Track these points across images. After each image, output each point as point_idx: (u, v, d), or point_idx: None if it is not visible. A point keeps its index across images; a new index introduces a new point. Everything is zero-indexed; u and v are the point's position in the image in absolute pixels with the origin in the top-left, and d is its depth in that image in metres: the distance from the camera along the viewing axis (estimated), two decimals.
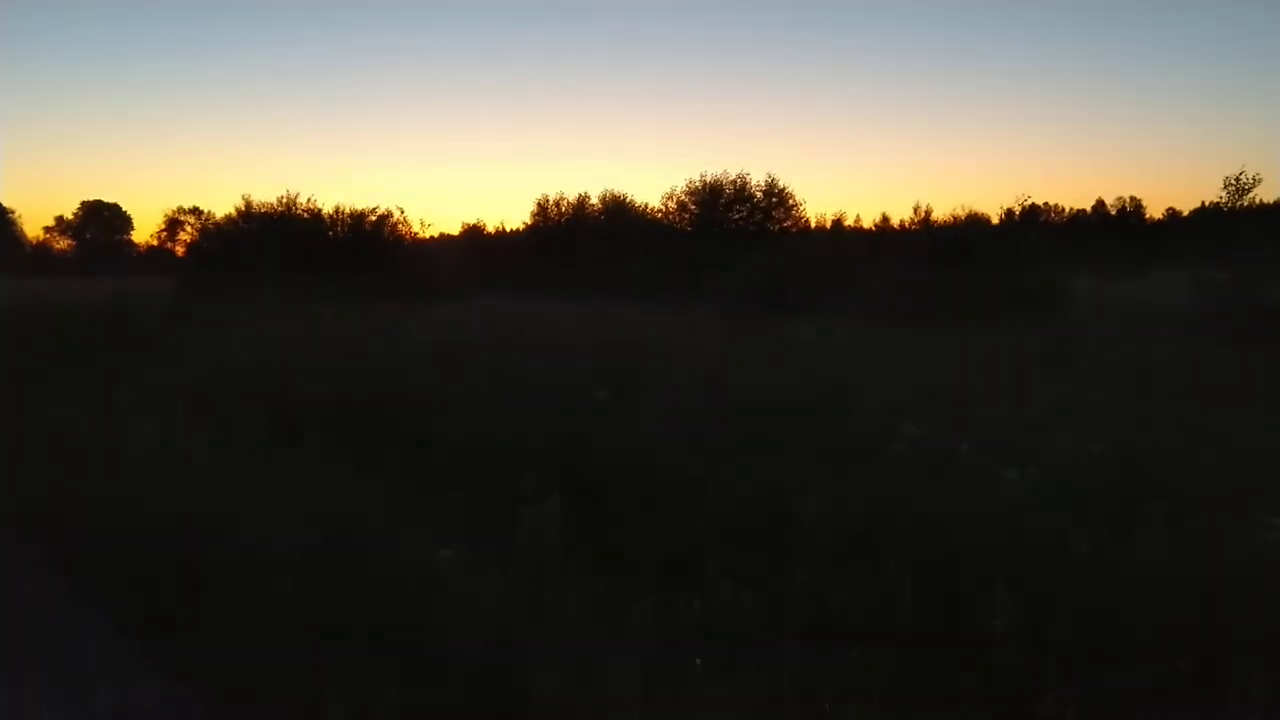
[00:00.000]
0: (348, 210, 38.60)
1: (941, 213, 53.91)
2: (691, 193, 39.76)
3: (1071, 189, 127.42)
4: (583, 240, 38.36)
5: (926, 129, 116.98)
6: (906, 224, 55.16)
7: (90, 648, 4.46)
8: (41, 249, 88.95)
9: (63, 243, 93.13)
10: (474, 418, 7.60)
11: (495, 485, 5.80)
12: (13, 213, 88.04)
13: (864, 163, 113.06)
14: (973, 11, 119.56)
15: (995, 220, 45.80)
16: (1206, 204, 54.95)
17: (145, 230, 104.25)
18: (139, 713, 3.91)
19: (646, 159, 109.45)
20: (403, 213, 42.16)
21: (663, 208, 40.94)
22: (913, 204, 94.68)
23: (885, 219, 60.65)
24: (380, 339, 15.01)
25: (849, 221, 58.27)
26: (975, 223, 44.20)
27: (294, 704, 3.75)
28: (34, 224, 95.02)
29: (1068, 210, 67.21)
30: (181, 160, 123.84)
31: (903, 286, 23.04)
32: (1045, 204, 63.23)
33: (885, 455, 6.13)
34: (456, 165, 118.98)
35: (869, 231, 58.04)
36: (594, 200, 43.11)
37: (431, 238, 47.15)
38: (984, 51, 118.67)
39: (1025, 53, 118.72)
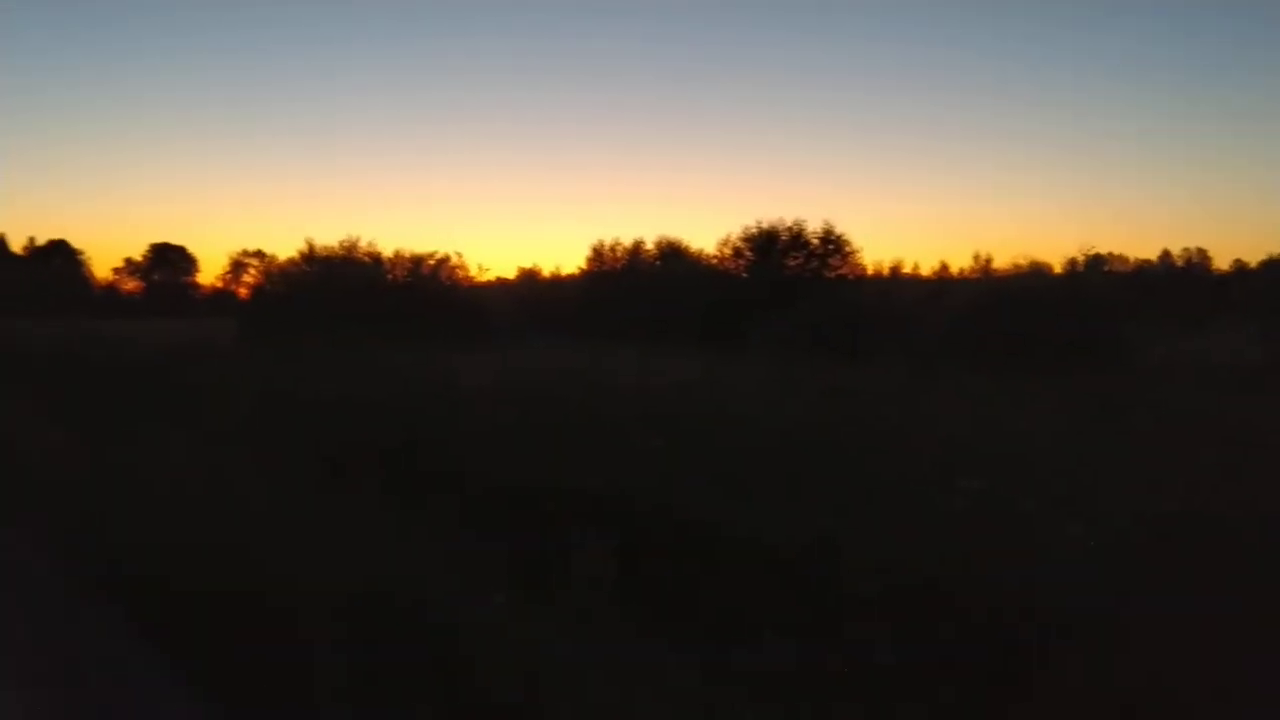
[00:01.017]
0: (407, 254, 39.27)
1: (1002, 261, 53.28)
2: (747, 239, 39.75)
3: (1136, 238, 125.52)
4: (637, 285, 38.53)
5: (988, 175, 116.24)
6: (966, 272, 54.67)
7: (130, 672, 4.47)
8: (109, 290, 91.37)
9: (131, 284, 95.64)
10: (525, 461, 7.59)
11: (545, 529, 5.78)
12: (82, 254, 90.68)
13: (923, 210, 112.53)
14: (1035, 58, 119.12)
15: (1058, 269, 45.25)
16: (1274, 256, 53.78)
17: (210, 272, 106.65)
18: None
19: (702, 205, 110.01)
20: (460, 257, 42.88)
21: (718, 254, 40.97)
22: (973, 252, 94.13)
23: (944, 267, 60.24)
24: (434, 381, 15.13)
25: (906, 269, 57.94)
26: (1037, 272, 43.76)
27: None
28: (103, 265, 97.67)
29: (1132, 260, 66.05)
30: (246, 203, 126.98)
31: (961, 335, 22.75)
32: (1109, 253, 62.15)
33: (941, 507, 6.00)
34: (514, 210, 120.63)
35: (927, 279, 57.64)
36: (649, 246, 43.31)
37: (488, 282, 47.74)
38: (1048, 98, 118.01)
39: (1090, 99, 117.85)
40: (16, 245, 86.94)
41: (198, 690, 4.29)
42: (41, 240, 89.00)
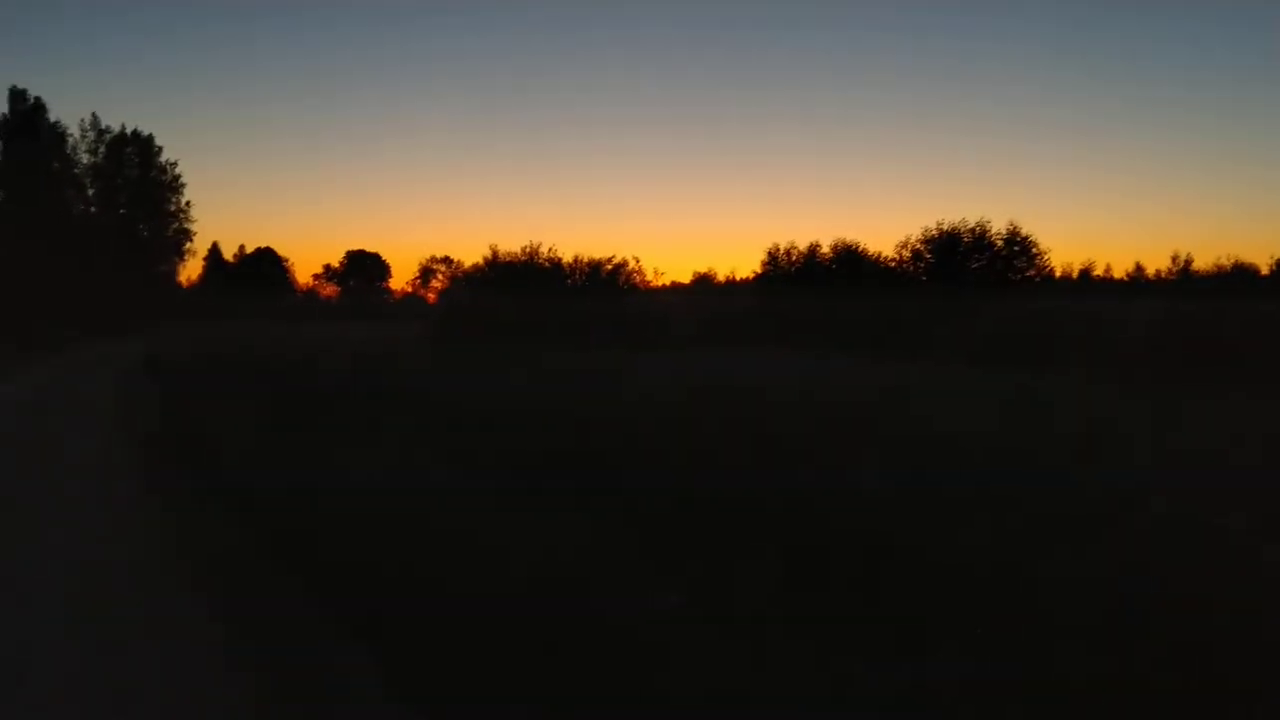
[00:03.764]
0: (585, 259, 40.12)
1: (1203, 262, 50.07)
2: (927, 240, 38.73)
3: None
4: (813, 289, 38.18)
5: (1189, 171, 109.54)
6: (1163, 274, 51.62)
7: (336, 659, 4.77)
8: (310, 293, 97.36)
9: (329, 288, 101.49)
10: (700, 466, 7.70)
11: (716, 536, 5.84)
12: (287, 261, 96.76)
13: (1116, 208, 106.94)
14: (1227, 48, 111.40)
15: (1265, 270, 42.19)
16: None
17: (401, 277, 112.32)
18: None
19: (883, 207, 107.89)
20: (637, 262, 43.53)
21: (896, 256, 40.09)
22: (1170, 252, 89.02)
23: (1139, 268, 57.12)
24: (612, 385, 15.48)
25: (1098, 271, 55.22)
26: (1241, 273, 40.95)
27: None
28: (304, 271, 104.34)
29: None
30: (435, 212, 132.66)
31: (1159, 342, 21.57)
32: None
33: (1134, 525, 5.80)
34: (691, 215, 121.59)
35: (1120, 281, 54.78)
36: (825, 249, 42.77)
37: (663, 286, 48.22)
38: (1251, 88, 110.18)
39: None
40: (228, 253, 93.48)
41: (359, 638, 4.57)
42: (250, 249, 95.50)
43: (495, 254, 40.30)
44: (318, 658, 4.83)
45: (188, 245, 73.35)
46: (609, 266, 40.09)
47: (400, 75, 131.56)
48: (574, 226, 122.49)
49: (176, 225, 71.57)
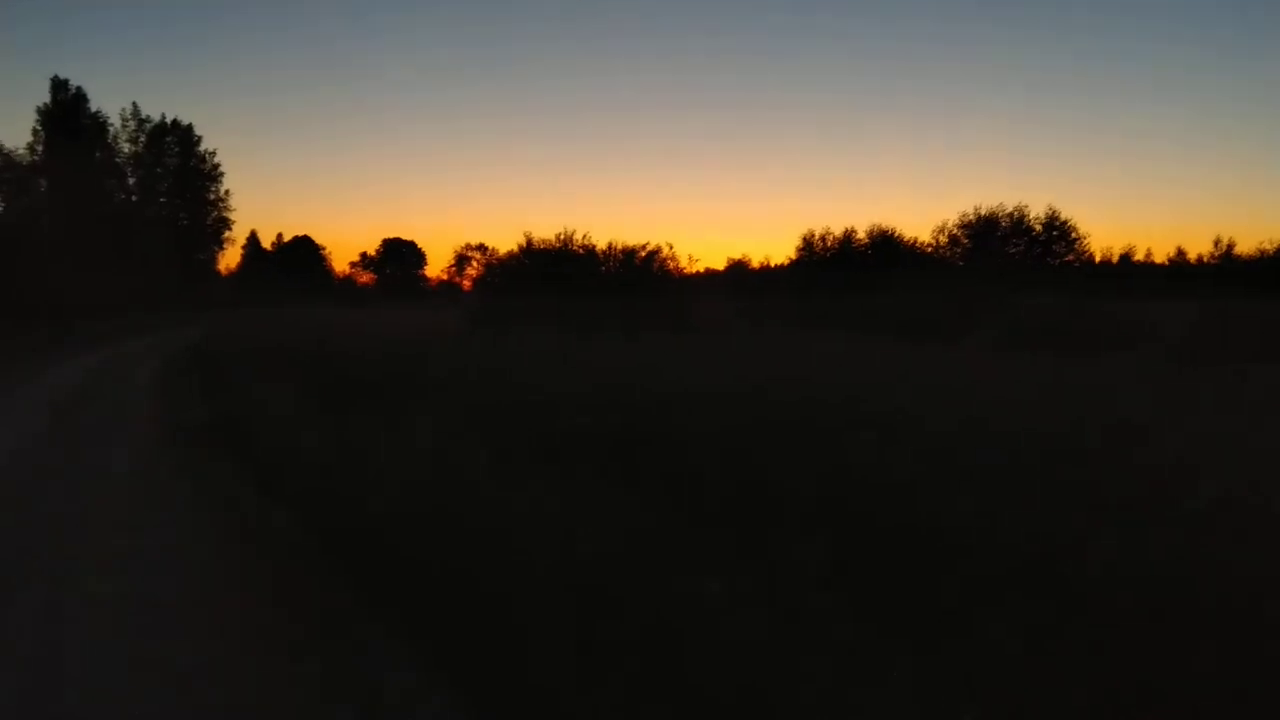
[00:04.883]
0: (619, 246, 40.03)
1: (1246, 246, 49.14)
2: (964, 225, 38.41)
3: None
4: (849, 274, 37.96)
5: (1234, 151, 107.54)
6: (1205, 258, 50.80)
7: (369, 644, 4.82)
8: (346, 281, 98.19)
9: (365, 276, 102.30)
10: (734, 454, 7.65)
11: (755, 524, 5.80)
12: (324, 249, 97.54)
13: (1159, 191, 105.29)
14: (1268, 29, 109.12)
15: None
16: None
17: (437, 265, 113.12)
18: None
19: (919, 191, 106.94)
20: (671, 248, 43.37)
21: (934, 241, 39.77)
22: (1214, 237, 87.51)
23: (1181, 252, 56.29)
24: (647, 371, 15.45)
25: (1139, 255, 54.44)
26: None
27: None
28: (341, 259, 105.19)
29: None
30: (469, 200, 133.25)
31: (1203, 327, 21.23)
32: None
33: (1181, 512, 5.69)
34: (725, 201, 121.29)
35: (1161, 266, 54.00)
36: (861, 234, 42.46)
37: (698, 272, 48.03)
38: None
39: None
40: (266, 241, 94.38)
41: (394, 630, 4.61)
42: (288, 237, 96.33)
43: (530, 241, 40.34)
44: (359, 654, 4.88)
45: (227, 234, 74.15)
46: (643, 253, 39.99)
47: (434, 63, 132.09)
48: (608, 213, 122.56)
49: (216, 214, 72.39)
